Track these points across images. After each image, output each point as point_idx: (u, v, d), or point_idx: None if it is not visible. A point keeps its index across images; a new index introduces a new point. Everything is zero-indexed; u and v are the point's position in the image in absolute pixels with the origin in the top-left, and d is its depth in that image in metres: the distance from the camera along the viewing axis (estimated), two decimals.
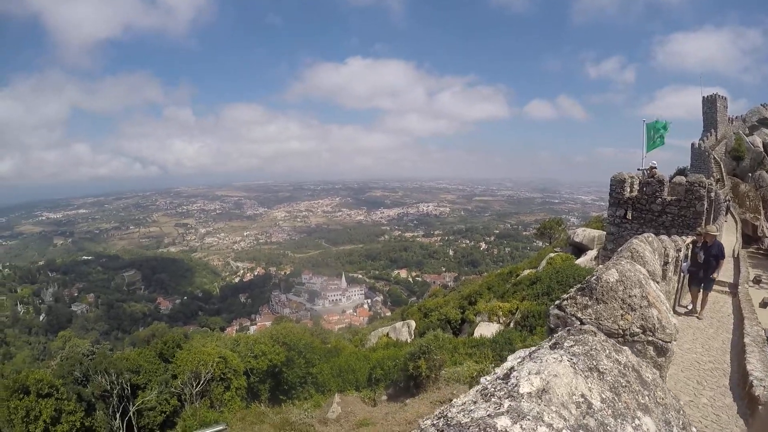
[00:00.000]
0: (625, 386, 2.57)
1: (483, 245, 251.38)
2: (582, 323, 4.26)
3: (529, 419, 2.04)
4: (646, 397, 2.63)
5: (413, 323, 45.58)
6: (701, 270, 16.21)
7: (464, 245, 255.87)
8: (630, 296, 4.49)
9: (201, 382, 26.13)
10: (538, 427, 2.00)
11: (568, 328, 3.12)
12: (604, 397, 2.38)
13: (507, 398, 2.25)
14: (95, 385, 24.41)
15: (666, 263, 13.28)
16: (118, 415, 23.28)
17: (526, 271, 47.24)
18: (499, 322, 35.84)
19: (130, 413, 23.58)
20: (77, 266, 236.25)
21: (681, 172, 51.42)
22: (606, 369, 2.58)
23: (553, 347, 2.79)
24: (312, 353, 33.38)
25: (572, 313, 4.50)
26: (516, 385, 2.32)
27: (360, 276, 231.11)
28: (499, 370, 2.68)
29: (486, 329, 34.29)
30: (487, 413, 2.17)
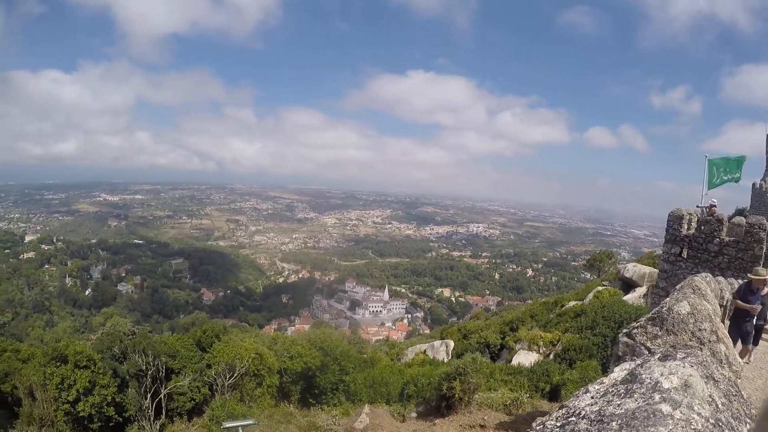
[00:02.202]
0: (735, 395, 2.92)
1: (530, 272, 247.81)
2: (651, 353, 4.03)
3: (684, 407, 2.44)
4: (749, 410, 2.94)
5: (452, 343, 45.18)
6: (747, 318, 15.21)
7: (511, 270, 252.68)
8: (700, 329, 4.28)
9: (234, 375, 26.20)
10: (691, 414, 2.41)
11: (675, 345, 3.23)
12: (721, 401, 2.71)
13: (654, 392, 2.59)
14: (131, 363, 24.69)
15: (722, 306, 12.78)
16: (149, 396, 23.46)
17: (572, 303, 46.25)
18: (538, 352, 35.17)
19: (161, 395, 23.75)
20: (128, 248, 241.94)
21: (740, 212, 49.66)
22: (719, 378, 2.93)
23: (663, 359, 3.04)
24: (347, 361, 33.20)
25: (642, 342, 4.38)
26: (657, 383, 2.67)
27: (403, 290, 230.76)
28: (610, 379, 3.15)
29: (525, 358, 33.69)
30: (645, 403, 2.55)
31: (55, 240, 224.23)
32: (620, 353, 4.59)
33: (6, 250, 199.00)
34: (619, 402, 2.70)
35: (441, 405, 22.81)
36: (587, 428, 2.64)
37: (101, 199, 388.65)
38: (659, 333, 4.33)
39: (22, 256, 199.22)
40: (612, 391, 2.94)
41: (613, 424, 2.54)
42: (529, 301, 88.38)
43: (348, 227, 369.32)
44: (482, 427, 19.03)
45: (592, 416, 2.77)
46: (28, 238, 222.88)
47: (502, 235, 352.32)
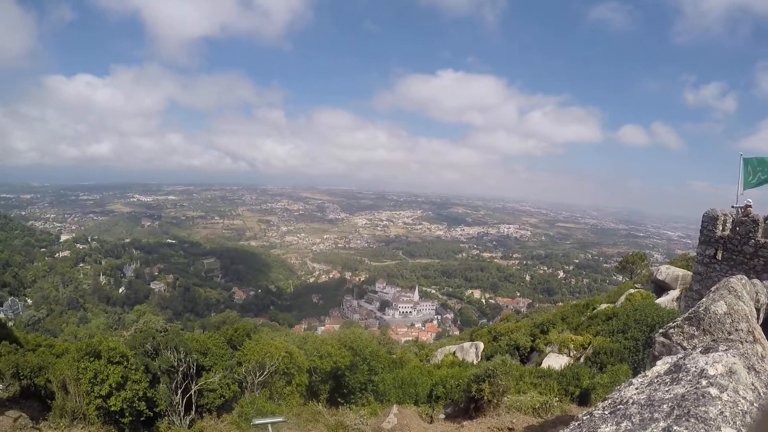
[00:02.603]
0: None
1: (561, 274, 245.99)
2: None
3: (730, 391, 2.59)
4: None
5: (481, 345, 44.95)
6: None
7: (542, 271, 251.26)
8: (737, 329, 4.23)
9: (264, 373, 26.37)
10: (738, 397, 2.56)
11: (714, 338, 3.29)
12: (763, 390, 2.83)
13: (700, 378, 2.76)
14: (163, 359, 24.98)
15: (757, 309, 12.54)
16: (179, 391, 23.71)
17: (603, 306, 45.61)
18: (569, 355, 34.82)
19: (192, 391, 23.97)
20: (160, 248, 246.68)
21: None
22: (760, 370, 3.03)
23: (705, 351, 3.21)
24: (376, 361, 33.20)
25: (678, 341, 4.36)
26: (702, 370, 2.86)
27: (433, 291, 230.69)
28: (653, 372, 3.37)
29: (555, 361, 33.37)
30: (693, 388, 2.69)
31: (89, 239, 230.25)
32: (656, 353, 4.57)
33: (42, 249, 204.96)
34: (666, 389, 2.90)
35: (469, 407, 22.69)
36: (638, 411, 2.79)
37: (135, 199, 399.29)
38: (696, 333, 4.29)
39: (57, 254, 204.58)
40: (657, 380, 3.13)
41: (664, 406, 2.71)
42: (560, 304, 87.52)
43: (378, 228, 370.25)
44: (510, 430, 18.91)
45: (642, 402, 2.91)
46: (63, 238, 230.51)
47: (533, 236, 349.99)
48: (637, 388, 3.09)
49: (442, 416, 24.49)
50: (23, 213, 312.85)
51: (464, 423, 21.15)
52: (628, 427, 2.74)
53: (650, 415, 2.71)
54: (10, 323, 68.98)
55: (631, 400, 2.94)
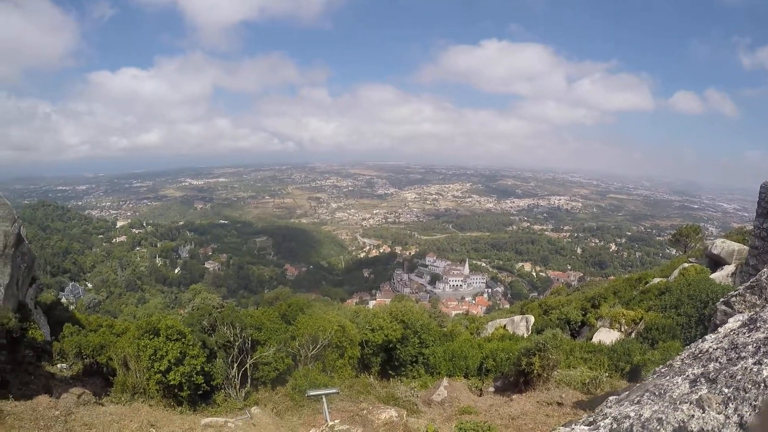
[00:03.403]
0: None
1: (613, 246, 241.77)
2: None
3: None
4: None
5: (532, 319, 44.79)
6: None
7: (593, 244, 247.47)
8: None
9: (317, 347, 26.95)
10: None
11: None
12: None
13: None
14: (220, 335, 25.78)
15: None
16: (235, 365, 24.49)
17: (656, 280, 44.81)
18: (620, 330, 34.48)
19: (247, 365, 24.69)
20: (213, 228, 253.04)
21: None
22: None
23: None
24: (427, 334, 33.46)
25: (740, 310, 4.45)
26: None
27: (483, 264, 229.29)
28: (725, 329, 3.58)
29: (606, 336, 33.11)
30: None
31: (144, 224, 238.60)
32: (718, 321, 4.70)
33: (99, 236, 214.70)
34: (747, 336, 3.13)
35: (519, 380, 22.76)
36: (723, 354, 3.07)
37: (186, 184, 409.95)
38: (758, 301, 4.41)
39: (114, 240, 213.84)
40: (732, 333, 3.34)
41: (749, 347, 2.95)
42: (612, 277, 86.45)
43: (428, 202, 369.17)
44: (559, 404, 18.93)
45: (725, 347, 3.20)
46: (119, 224, 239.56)
47: (584, 208, 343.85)
48: (713, 342, 3.29)
49: (492, 389, 24.66)
50: (79, 203, 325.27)
51: (513, 396, 21.26)
52: (716, 367, 2.98)
53: (736, 356, 2.94)
54: (72, 307, 71.50)
55: (711, 348, 3.16)
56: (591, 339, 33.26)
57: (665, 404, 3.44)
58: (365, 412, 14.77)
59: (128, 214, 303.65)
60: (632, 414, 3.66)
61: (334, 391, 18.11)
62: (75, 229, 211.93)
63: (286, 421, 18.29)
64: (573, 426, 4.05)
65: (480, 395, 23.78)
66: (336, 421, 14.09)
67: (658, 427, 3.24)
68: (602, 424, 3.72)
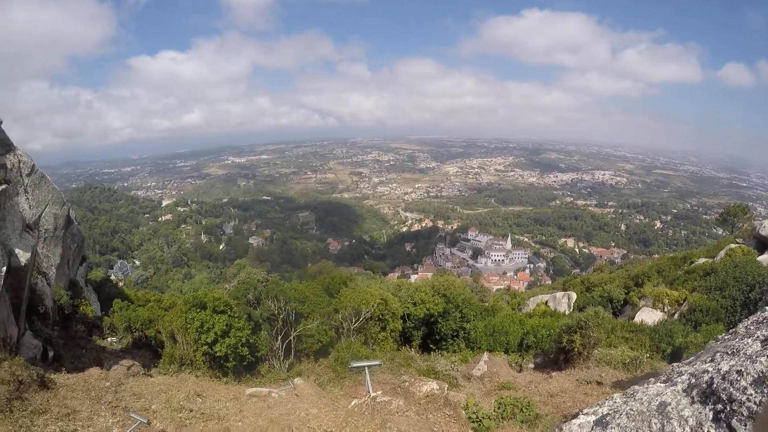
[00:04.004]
0: None
1: (658, 224, 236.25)
2: None
3: None
4: None
5: (574, 296, 44.58)
6: None
7: (638, 221, 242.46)
8: None
9: (360, 319, 27.38)
10: None
11: None
12: None
13: None
14: (264, 308, 26.41)
15: None
16: (279, 338, 25.07)
17: (702, 260, 43.87)
18: (663, 311, 34.05)
19: (291, 337, 25.22)
20: (257, 205, 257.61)
21: None
22: None
23: None
24: (469, 309, 33.64)
25: None
26: None
27: (525, 240, 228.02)
28: None
29: (648, 315, 32.76)
30: None
31: (189, 202, 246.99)
32: None
33: (146, 215, 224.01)
34: None
35: (559, 358, 22.72)
36: None
37: (229, 162, 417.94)
38: None
39: (160, 218, 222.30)
40: None
41: None
42: (656, 256, 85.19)
43: (470, 175, 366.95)
44: (599, 383, 18.85)
45: None
46: (164, 203, 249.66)
47: (629, 183, 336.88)
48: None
49: (532, 366, 24.69)
50: (125, 184, 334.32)
51: (553, 374, 21.24)
52: None
53: None
54: (121, 283, 73.76)
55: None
56: (633, 318, 32.96)
57: (741, 359, 3.86)
58: (407, 384, 15.00)
59: (173, 193, 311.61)
60: (710, 369, 3.98)
61: (377, 363, 18.38)
62: (122, 209, 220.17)
63: (328, 392, 18.65)
64: (647, 384, 4.22)
65: (519, 371, 23.80)
66: (378, 392, 14.36)
67: (739, 378, 3.61)
68: (679, 380, 3.99)
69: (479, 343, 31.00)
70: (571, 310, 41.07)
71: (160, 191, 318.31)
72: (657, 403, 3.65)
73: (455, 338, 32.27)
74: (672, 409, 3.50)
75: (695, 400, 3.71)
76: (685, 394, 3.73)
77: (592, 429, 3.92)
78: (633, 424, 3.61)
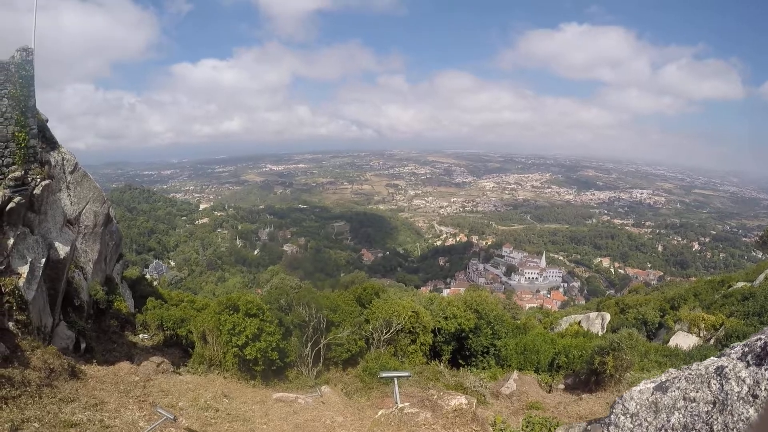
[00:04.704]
0: None
1: (696, 245, 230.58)
2: None
3: None
4: None
5: (608, 316, 44.01)
6: None
7: (675, 242, 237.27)
8: None
9: (390, 331, 27.32)
10: None
11: None
12: None
13: None
14: (296, 314, 26.52)
15: None
16: (309, 344, 25.16)
17: (740, 284, 42.95)
18: (698, 335, 33.36)
19: (320, 345, 25.28)
20: (292, 213, 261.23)
21: None
22: None
23: None
24: (500, 326, 33.34)
25: None
26: None
27: (560, 258, 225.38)
28: None
29: (683, 340, 32.11)
30: None
31: (226, 207, 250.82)
32: None
33: (183, 217, 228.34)
34: None
35: (590, 379, 22.39)
36: None
37: (267, 169, 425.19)
38: None
39: (197, 221, 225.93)
40: None
41: None
42: (693, 279, 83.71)
43: (506, 191, 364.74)
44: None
45: None
46: (202, 206, 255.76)
47: (667, 203, 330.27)
48: None
49: (562, 386, 24.37)
50: (164, 187, 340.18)
51: (583, 396, 20.93)
52: None
53: None
54: (155, 283, 75.08)
55: None
56: (668, 342, 32.38)
57: None
58: (435, 397, 14.85)
59: (210, 197, 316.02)
60: (762, 336, 3.96)
61: (407, 374, 18.28)
62: (160, 210, 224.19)
63: (355, 402, 18.66)
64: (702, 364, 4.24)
65: (549, 391, 23.55)
66: (405, 404, 14.25)
67: None
68: (732, 352, 4.06)
69: (509, 360, 30.64)
70: (604, 331, 40.52)
71: (198, 195, 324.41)
72: (714, 367, 3.78)
73: (485, 355, 31.97)
74: (729, 371, 3.61)
75: (750, 363, 3.75)
76: (740, 359, 3.79)
77: (653, 393, 4.03)
78: (693, 386, 3.73)
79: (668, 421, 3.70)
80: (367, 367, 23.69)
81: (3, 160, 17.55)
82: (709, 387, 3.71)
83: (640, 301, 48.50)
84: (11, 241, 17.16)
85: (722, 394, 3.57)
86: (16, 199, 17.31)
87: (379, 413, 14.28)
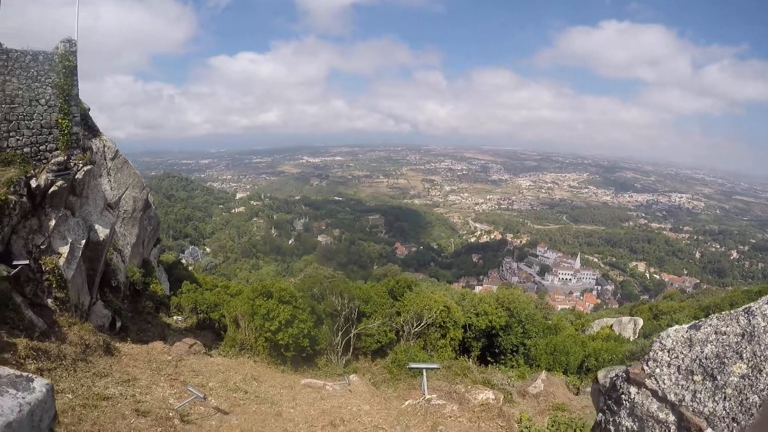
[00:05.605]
0: None
1: (734, 254, 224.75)
2: None
3: None
4: None
5: (641, 322, 43.52)
6: None
7: (713, 249, 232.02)
8: None
9: (421, 324, 27.41)
10: None
11: None
12: None
13: None
14: (328, 303, 26.78)
15: None
16: (340, 333, 25.40)
17: None
18: None
19: (351, 335, 25.48)
20: (328, 204, 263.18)
21: None
22: None
23: None
24: (531, 325, 33.23)
25: None
26: None
27: (595, 260, 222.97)
28: None
29: None
30: None
31: (262, 197, 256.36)
32: None
33: (220, 206, 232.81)
34: None
35: None
36: None
37: (303, 161, 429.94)
38: None
39: (233, 210, 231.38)
40: None
41: None
42: (730, 288, 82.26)
43: (542, 190, 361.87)
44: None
45: None
46: (238, 196, 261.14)
47: (706, 209, 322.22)
48: None
49: (589, 390, 24.14)
50: (202, 176, 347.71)
51: None
52: None
53: None
54: (191, 267, 76.26)
55: None
56: None
57: None
58: (462, 390, 14.90)
59: (247, 187, 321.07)
60: None
61: (436, 366, 18.39)
62: (197, 198, 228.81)
63: (382, 392, 18.69)
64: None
65: (576, 394, 23.38)
66: (433, 396, 14.34)
67: None
68: (761, 300, 4.31)
69: (538, 360, 30.47)
70: (636, 336, 40.13)
71: (235, 184, 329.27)
72: (742, 308, 4.15)
73: (514, 353, 31.88)
74: (756, 309, 4.01)
75: None
76: (766, 303, 4.14)
77: (687, 331, 4.33)
78: (723, 322, 4.10)
79: (701, 352, 4.02)
80: (396, 358, 23.79)
81: (47, 146, 18.24)
82: (738, 322, 4.06)
83: (674, 308, 48.03)
84: (53, 222, 17.77)
85: (750, 327, 3.92)
86: (59, 182, 17.97)
87: (406, 403, 14.39)
